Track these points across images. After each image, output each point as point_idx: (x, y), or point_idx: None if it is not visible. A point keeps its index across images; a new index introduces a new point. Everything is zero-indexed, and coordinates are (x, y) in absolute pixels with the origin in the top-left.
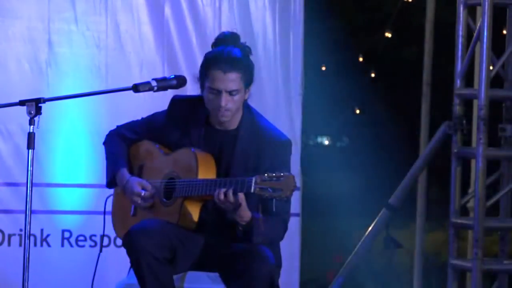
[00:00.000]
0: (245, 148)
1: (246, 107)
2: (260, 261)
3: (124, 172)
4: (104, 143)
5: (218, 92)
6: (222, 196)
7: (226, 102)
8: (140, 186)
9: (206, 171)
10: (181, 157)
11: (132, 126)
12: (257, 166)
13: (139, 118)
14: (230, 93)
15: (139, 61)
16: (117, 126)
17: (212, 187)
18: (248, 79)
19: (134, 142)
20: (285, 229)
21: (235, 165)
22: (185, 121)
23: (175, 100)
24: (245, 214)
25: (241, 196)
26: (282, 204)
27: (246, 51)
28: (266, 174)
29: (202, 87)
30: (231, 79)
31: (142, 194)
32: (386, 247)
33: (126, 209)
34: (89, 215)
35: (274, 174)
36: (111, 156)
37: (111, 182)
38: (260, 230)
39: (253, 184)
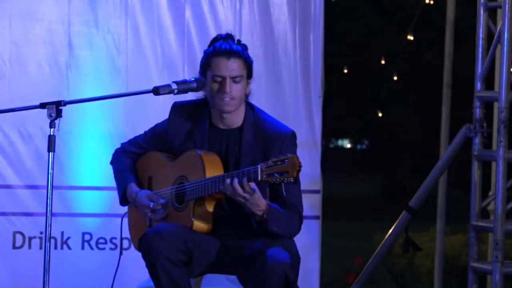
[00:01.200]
0: (251, 143)
1: (248, 104)
2: (274, 261)
3: (133, 187)
4: (111, 163)
5: (223, 80)
6: (239, 189)
7: (231, 88)
8: (148, 199)
9: (213, 169)
10: (187, 161)
11: (136, 141)
12: (265, 160)
13: (153, 124)
14: (234, 79)
15: (159, 63)
16: (122, 144)
17: (221, 183)
18: (248, 70)
19: (140, 156)
20: (300, 221)
21: (243, 162)
22: (187, 124)
23: (175, 106)
24: (261, 202)
25: (253, 184)
26: (292, 193)
27: (243, 46)
28: (270, 160)
29: (204, 82)
30: (234, 66)
31: (151, 206)
32: (404, 250)
33: (142, 222)
34: (109, 218)
35: (278, 158)
36: (119, 174)
37: (122, 199)
38: (274, 218)
39: (259, 172)
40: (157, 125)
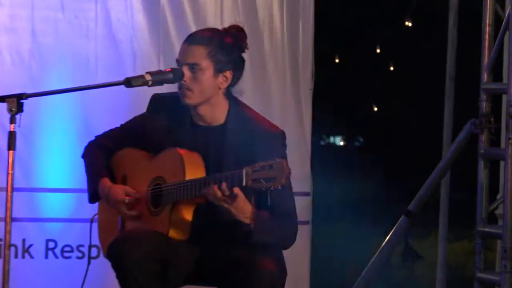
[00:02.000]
0: (235, 144)
1: (232, 99)
2: (260, 270)
3: (106, 181)
4: (82, 156)
5: (179, 65)
6: (218, 193)
7: (185, 77)
8: (123, 193)
9: (194, 171)
10: (166, 159)
11: (111, 135)
12: (250, 163)
13: (126, 119)
14: (191, 68)
15: (132, 52)
16: (95, 137)
17: (202, 186)
18: (220, 61)
19: (115, 152)
20: (295, 229)
21: (225, 164)
22: (167, 119)
23: (155, 98)
24: (246, 207)
25: (236, 188)
26: (284, 198)
27: (224, 36)
28: (257, 164)
29: (183, 73)
30: (192, 51)
31: (126, 200)
32: (404, 259)
33: (113, 224)
34: (76, 223)
35: (265, 162)
36: (91, 168)
37: (93, 195)
38: (263, 226)
39: (244, 177)
40: (134, 119)
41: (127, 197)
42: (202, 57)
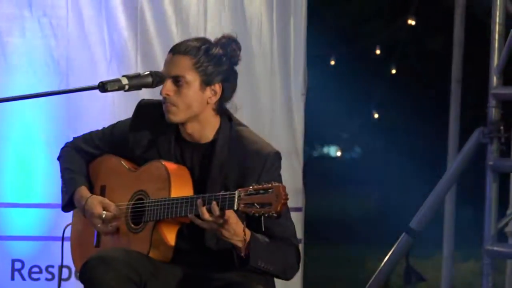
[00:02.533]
0: (223, 164)
1: (224, 115)
2: None
3: (84, 191)
4: (58, 158)
5: (163, 78)
6: (206, 215)
7: (168, 91)
8: (101, 206)
9: (181, 188)
10: (150, 172)
11: (91, 138)
12: (239, 186)
13: (102, 126)
14: (175, 80)
15: (107, 54)
16: (74, 138)
17: (188, 206)
18: (208, 72)
19: (94, 158)
20: (297, 256)
21: (211, 184)
22: (152, 130)
23: (142, 105)
24: (239, 228)
25: (229, 209)
26: (282, 222)
27: (213, 47)
28: (251, 187)
29: (163, 77)
30: (176, 63)
31: (103, 215)
32: (406, 280)
33: (88, 238)
34: (45, 242)
35: (261, 186)
36: (67, 173)
37: (68, 204)
38: (260, 250)
39: (236, 200)
40: (118, 124)
41: (104, 212)
42: (187, 69)
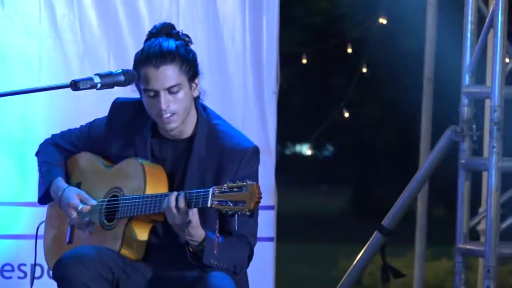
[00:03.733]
0: (201, 160)
1: (201, 107)
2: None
3: (60, 182)
4: (36, 154)
5: (156, 93)
6: (173, 203)
7: (167, 103)
8: (78, 198)
9: (156, 185)
10: (126, 170)
11: (69, 136)
12: (217, 182)
13: (79, 123)
14: (170, 91)
15: (79, 52)
16: (52, 135)
17: (162, 203)
18: (190, 71)
19: (72, 155)
20: (249, 254)
21: (189, 180)
22: (128, 129)
23: (117, 104)
24: (197, 232)
25: (193, 211)
26: (245, 222)
27: (183, 40)
28: (225, 185)
29: (135, 75)
30: (167, 74)
31: (79, 207)
32: (383, 278)
33: (61, 235)
34: (17, 240)
35: (235, 184)
36: (45, 166)
37: (44, 196)
38: (212, 250)
39: (210, 197)
40: (94, 122)
41: (81, 205)
42: (177, 75)
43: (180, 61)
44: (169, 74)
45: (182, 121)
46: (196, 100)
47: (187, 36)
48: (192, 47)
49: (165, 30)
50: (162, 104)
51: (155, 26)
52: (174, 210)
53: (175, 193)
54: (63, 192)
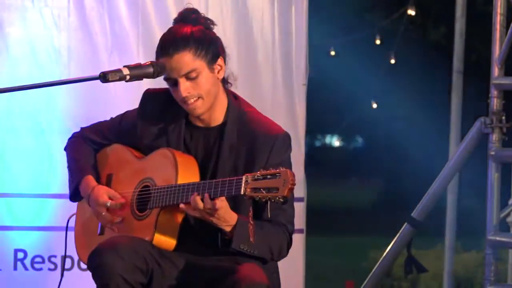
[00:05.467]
0: (233, 147)
1: (232, 95)
2: (248, 282)
3: (90, 180)
4: (65, 149)
5: (175, 82)
6: (200, 204)
7: (186, 89)
8: (106, 196)
9: (188, 175)
10: (157, 161)
11: (99, 128)
12: (249, 168)
13: (109, 115)
14: (187, 77)
15: (108, 44)
16: (81, 128)
17: (194, 192)
18: (208, 54)
19: (102, 147)
20: (289, 241)
21: (221, 168)
22: (160, 119)
23: (147, 94)
24: (229, 216)
25: (221, 198)
26: (282, 209)
27: (201, 23)
28: (258, 172)
29: (164, 66)
30: (180, 61)
31: (108, 204)
32: (407, 271)
33: (92, 226)
34: (48, 232)
35: (268, 171)
36: (74, 164)
37: (74, 194)
38: (242, 236)
39: (243, 185)
40: (125, 114)
41: (110, 201)
42: (191, 61)
43: (195, 45)
44: (184, 60)
45: (210, 106)
46: (224, 83)
47: (207, 19)
48: (223, 39)
49: (186, 15)
50: (182, 91)
51: (178, 13)
52: (200, 205)
53: (210, 183)
54: (92, 190)
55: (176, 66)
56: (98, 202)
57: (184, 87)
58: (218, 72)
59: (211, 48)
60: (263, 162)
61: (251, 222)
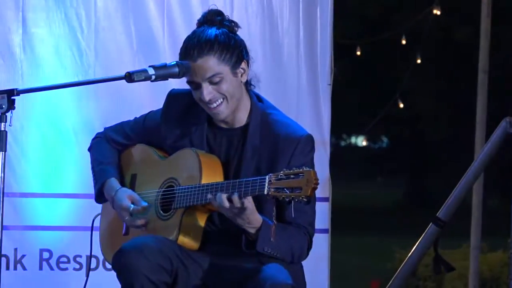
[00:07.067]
0: (256, 148)
1: (255, 97)
2: (272, 282)
3: (113, 182)
4: (89, 149)
5: (197, 85)
6: (226, 204)
7: (209, 93)
8: (129, 200)
9: (211, 175)
10: (181, 161)
11: (123, 129)
12: (271, 170)
13: (133, 115)
14: (211, 81)
15: (133, 44)
16: (105, 129)
17: (218, 192)
18: (232, 58)
19: (126, 148)
20: (308, 244)
21: (244, 169)
22: (184, 119)
23: (172, 95)
24: (254, 218)
25: (248, 198)
26: (303, 211)
27: (226, 26)
28: (282, 172)
29: (189, 67)
30: (204, 66)
31: (130, 209)
32: (435, 271)
33: (117, 227)
34: (73, 232)
35: (292, 171)
36: (98, 165)
37: (99, 195)
38: (267, 238)
39: (266, 185)
40: (149, 114)
41: (132, 205)
42: (215, 65)
43: (220, 49)
44: (208, 65)
45: (233, 109)
46: (247, 86)
47: (232, 21)
48: (246, 40)
49: (210, 17)
50: (205, 95)
51: (202, 14)
52: (227, 205)
53: (234, 182)
54: (115, 193)
55: (199, 70)
56: (122, 207)
57: (208, 91)
58: (242, 75)
59: (235, 52)
60: (285, 164)
61: (274, 222)
